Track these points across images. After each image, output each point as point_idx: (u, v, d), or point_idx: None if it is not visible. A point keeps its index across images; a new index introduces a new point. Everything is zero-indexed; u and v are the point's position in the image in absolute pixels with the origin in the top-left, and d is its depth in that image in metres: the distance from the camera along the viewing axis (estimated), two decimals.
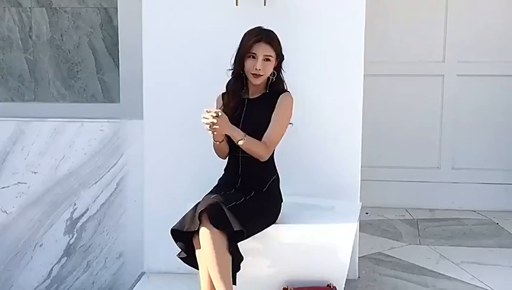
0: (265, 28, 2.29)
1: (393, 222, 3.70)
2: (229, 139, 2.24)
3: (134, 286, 2.76)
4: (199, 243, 2.06)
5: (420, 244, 3.29)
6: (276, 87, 2.32)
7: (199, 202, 2.12)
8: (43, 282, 3.06)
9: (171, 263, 2.46)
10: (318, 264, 2.32)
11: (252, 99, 2.32)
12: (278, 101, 2.27)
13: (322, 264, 2.32)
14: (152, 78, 2.79)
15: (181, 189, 2.74)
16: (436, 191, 3.97)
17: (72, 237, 3.02)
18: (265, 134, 2.24)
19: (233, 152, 2.31)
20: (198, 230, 2.05)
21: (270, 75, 2.29)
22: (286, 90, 2.33)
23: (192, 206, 2.13)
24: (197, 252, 2.09)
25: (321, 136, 2.73)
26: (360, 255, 2.90)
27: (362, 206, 2.64)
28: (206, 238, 2.03)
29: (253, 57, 2.24)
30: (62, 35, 3.42)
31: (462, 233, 3.48)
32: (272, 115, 2.26)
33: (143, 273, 2.86)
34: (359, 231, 2.77)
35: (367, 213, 3.74)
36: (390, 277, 2.82)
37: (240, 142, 2.16)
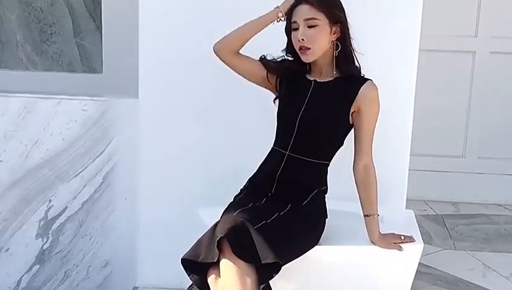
0: None
1: (417, 218, 3.25)
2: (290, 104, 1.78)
3: None
4: (215, 278, 1.55)
5: (456, 249, 2.87)
6: (347, 68, 1.76)
7: (218, 222, 1.60)
8: None
9: (171, 276, 2.08)
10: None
11: (320, 83, 1.78)
12: (363, 95, 1.72)
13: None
14: (150, 50, 2.27)
15: (186, 185, 2.28)
16: (460, 182, 3.57)
17: (47, 241, 2.45)
18: (361, 149, 1.75)
19: (278, 145, 1.79)
20: (217, 261, 1.54)
21: (333, 48, 1.74)
22: (366, 78, 1.76)
23: (209, 226, 1.60)
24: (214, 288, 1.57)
25: None
26: None
27: None
28: (230, 273, 1.52)
29: (297, 28, 1.71)
30: None
31: (497, 234, 3.09)
32: (363, 118, 1.73)
33: (135, 288, 2.36)
34: None
35: None
36: None
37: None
